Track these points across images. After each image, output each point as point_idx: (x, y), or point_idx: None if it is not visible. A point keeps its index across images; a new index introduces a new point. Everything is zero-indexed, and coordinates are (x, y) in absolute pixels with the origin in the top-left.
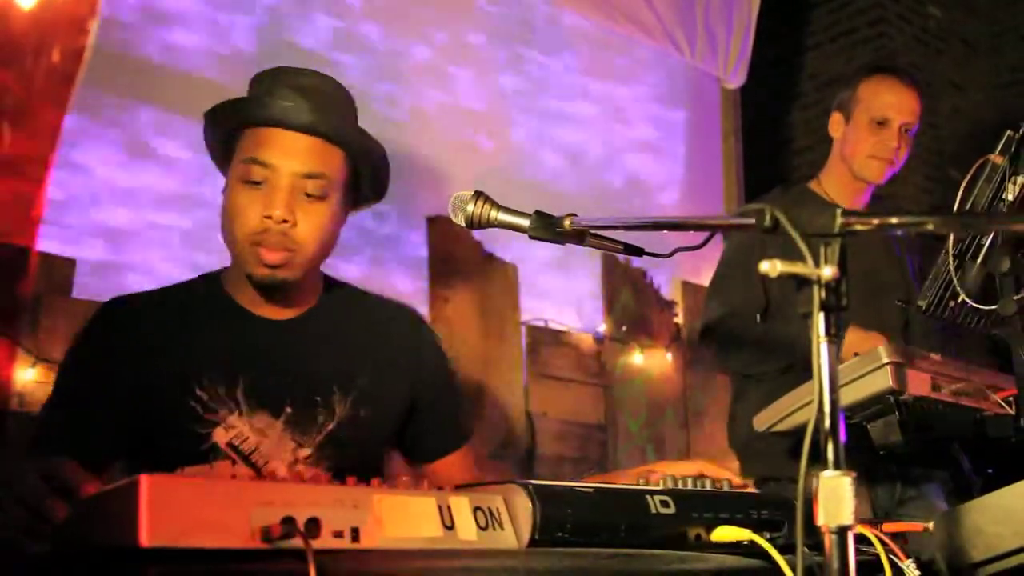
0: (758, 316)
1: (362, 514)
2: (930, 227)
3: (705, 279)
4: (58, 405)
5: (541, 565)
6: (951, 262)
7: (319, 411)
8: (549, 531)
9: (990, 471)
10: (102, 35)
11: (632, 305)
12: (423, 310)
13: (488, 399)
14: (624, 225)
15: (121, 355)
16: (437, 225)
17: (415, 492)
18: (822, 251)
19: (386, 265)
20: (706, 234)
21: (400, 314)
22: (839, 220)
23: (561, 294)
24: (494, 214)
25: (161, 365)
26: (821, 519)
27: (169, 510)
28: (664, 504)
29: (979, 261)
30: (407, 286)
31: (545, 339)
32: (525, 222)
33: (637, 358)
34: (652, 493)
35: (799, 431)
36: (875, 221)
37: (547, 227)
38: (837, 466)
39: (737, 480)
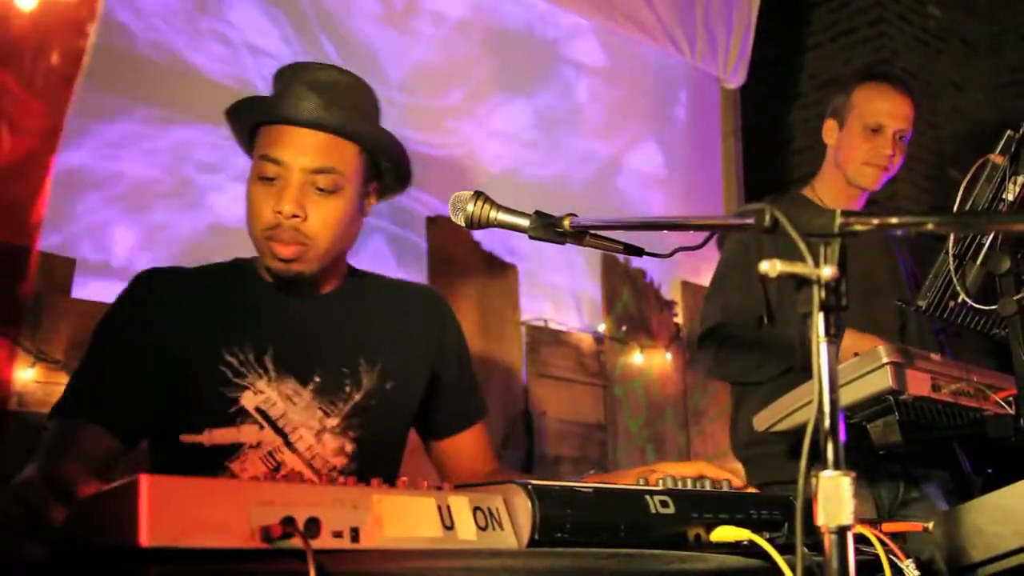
0: (759, 320)
1: (362, 514)
2: (930, 227)
3: (705, 279)
4: (90, 369)
5: (541, 565)
6: (951, 262)
7: (346, 381)
8: (549, 531)
9: (990, 471)
10: (102, 35)
11: (632, 305)
12: None
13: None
14: (624, 225)
15: (154, 320)
16: (437, 225)
17: (415, 492)
18: (822, 251)
19: (386, 265)
20: (706, 234)
21: (422, 292)
22: (839, 220)
23: (561, 294)
24: (494, 214)
25: (193, 330)
26: (821, 519)
27: (169, 510)
28: (664, 504)
29: (979, 261)
30: None
31: (545, 339)
32: (525, 222)
33: (637, 358)
34: (652, 493)
35: (799, 431)
36: (875, 221)
37: (547, 227)
38: (837, 466)
39: (737, 480)
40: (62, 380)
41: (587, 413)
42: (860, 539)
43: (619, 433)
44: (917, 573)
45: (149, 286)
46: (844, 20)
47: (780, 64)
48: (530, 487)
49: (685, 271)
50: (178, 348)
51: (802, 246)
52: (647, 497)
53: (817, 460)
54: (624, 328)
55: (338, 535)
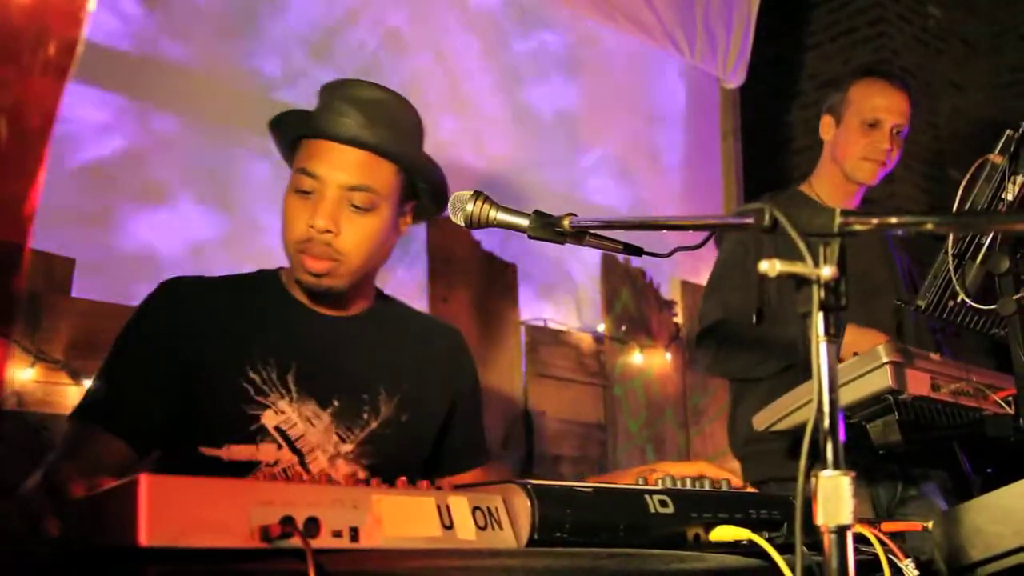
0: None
1: (361, 514)
2: (930, 227)
3: (704, 279)
4: (110, 377)
5: (540, 565)
6: (950, 262)
7: (365, 408)
8: (548, 531)
9: (989, 471)
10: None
11: (631, 305)
12: (422, 309)
13: (487, 398)
14: (623, 224)
15: (177, 331)
16: (437, 225)
17: (414, 492)
18: (821, 251)
19: (386, 264)
20: (705, 234)
21: (447, 332)
22: (838, 220)
23: (561, 294)
24: (493, 214)
25: (216, 344)
26: (820, 519)
27: (168, 510)
28: (663, 504)
29: (978, 261)
30: (407, 285)
31: (544, 339)
32: (524, 222)
33: (637, 358)
34: (651, 493)
35: (798, 430)
36: (875, 221)
37: (546, 227)
38: (836, 466)
39: (736, 480)
40: (62, 380)
41: (587, 413)
42: (859, 539)
43: (619, 433)
44: (916, 573)
45: (171, 296)
46: (844, 20)
47: (780, 64)
48: (529, 487)
49: (684, 271)
50: (197, 359)
51: (802, 246)
52: (646, 497)
53: (817, 460)
54: (624, 328)
55: (337, 535)
